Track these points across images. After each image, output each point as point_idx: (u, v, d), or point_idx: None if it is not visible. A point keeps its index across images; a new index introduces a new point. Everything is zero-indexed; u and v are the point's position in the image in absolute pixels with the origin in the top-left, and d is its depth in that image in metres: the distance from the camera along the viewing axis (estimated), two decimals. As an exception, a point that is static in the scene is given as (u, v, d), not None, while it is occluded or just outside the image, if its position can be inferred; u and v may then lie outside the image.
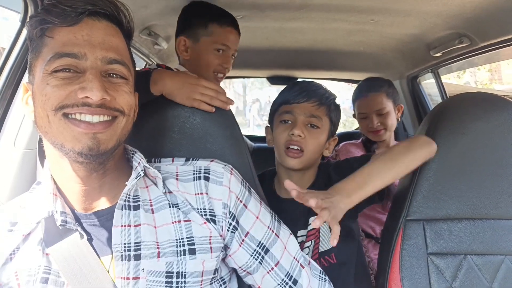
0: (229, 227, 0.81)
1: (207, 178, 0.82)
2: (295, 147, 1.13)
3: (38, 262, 0.72)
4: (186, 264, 0.75)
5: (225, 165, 0.85)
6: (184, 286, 0.75)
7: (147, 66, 1.95)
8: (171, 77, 0.97)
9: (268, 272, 0.85)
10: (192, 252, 0.76)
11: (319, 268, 0.91)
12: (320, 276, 0.90)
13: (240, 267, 0.85)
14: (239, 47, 1.48)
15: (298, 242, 1.15)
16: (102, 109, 0.68)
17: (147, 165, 0.78)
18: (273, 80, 2.87)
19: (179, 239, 0.76)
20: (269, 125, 1.27)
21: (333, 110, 1.19)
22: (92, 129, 0.67)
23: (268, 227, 0.85)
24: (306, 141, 1.13)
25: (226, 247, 0.83)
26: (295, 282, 0.86)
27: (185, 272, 0.75)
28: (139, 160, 0.78)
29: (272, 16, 1.60)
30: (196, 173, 0.82)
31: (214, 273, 0.80)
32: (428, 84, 2.40)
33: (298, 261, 0.87)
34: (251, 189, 0.88)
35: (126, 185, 0.74)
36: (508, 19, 1.32)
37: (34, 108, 0.71)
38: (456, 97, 1.11)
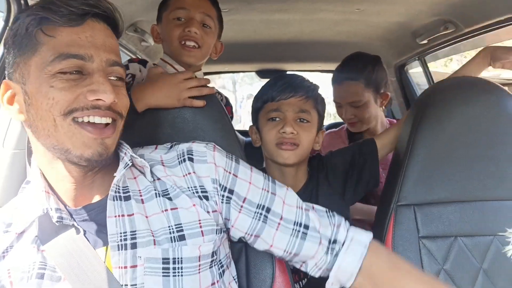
0: (222, 199, 0.82)
1: (191, 159, 0.83)
2: (290, 144, 1.11)
3: (32, 258, 0.72)
4: (182, 250, 0.76)
5: (207, 144, 0.86)
6: (181, 272, 0.75)
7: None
8: (151, 88, 0.94)
9: (276, 229, 0.83)
10: (182, 238, 0.77)
11: (324, 208, 0.89)
12: (327, 214, 0.88)
13: (246, 233, 0.84)
14: (226, 41, 1.46)
15: None
16: (110, 111, 0.70)
17: (133, 155, 0.78)
18: (263, 73, 2.87)
19: (169, 226, 0.77)
20: (253, 125, 1.23)
21: (320, 102, 1.18)
22: (101, 134, 0.69)
23: (263, 188, 0.85)
24: (299, 136, 1.11)
25: (226, 221, 0.83)
26: (306, 227, 0.84)
27: (181, 258, 0.76)
28: (125, 151, 0.79)
29: (258, 8, 1.61)
30: (180, 157, 0.83)
31: (212, 256, 0.80)
32: (416, 74, 2.42)
33: (301, 208, 0.86)
34: (238, 159, 0.88)
35: (115, 176, 0.74)
36: (491, 4, 1.34)
37: (33, 110, 0.69)
38: (443, 83, 1.12)
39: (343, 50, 2.33)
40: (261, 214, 0.83)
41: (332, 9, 1.63)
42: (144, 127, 0.94)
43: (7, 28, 0.99)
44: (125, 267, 0.73)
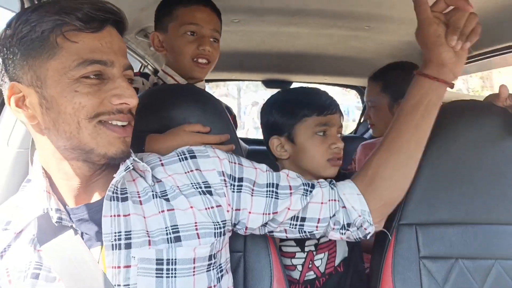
0: (233, 189, 0.84)
1: (194, 157, 0.84)
2: (338, 159, 1.14)
3: (29, 258, 0.73)
4: (176, 251, 0.76)
5: (205, 146, 0.89)
6: (175, 273, 0.75)
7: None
8: (165, 145, 0.94)
9: (290, 196, 0.87)
10: (178, 239, 0.77)
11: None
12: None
13: (263, 213, 0.85)
14: (235, 50, 1.48)
15: (306, 252, 1.15)
16: (129, 114, 0.74)
17: (136, 159, 0.79)
18: (268, 83, 2.89)
19: (167, 227, 0.77)
20: (279, 136, 1.16)
21: None
22: (123, 134, 0.73)
23: (267, 171, 0.90)
24: (341, 152, 1.16)
25: (236, 213, 0.84)
26: (312, 186, 0.90)
27: (175, 259, 0.76)
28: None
29: (268, 20, 1.62)
30: (181, 155, 0.85)
31: (210, 259, 0.80)
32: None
33: (300, 177, 0.92)
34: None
35: (114, 177, 0.75)
36: (500, 28, 1.35)
37: (54, 114, 0.69)
38: (449, 105, 1.12)
39: (351, 65, 2.37)
40: (272, 191, 0.86)
41: (341, 25, 1.65)
42: (147, 132, 0.95)
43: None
44: (119, 267, 0.73)
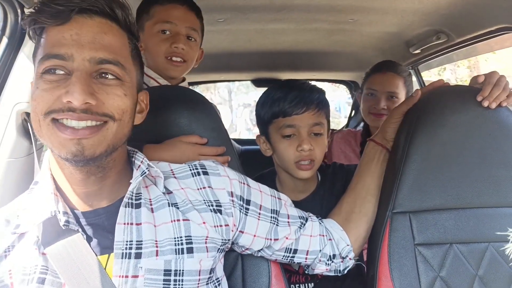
0: (241, 210, 0.85)
1: (206, 173, 0.85)
2: (306, 162, 1.11)
3: (34, 261, 0.72)
4: (184, 262, 0.76)
5: (215, 162, 0.90)
6: (182, 285, 0.75)
7: None
8: (160, 156, 0.92)
9: (289, 226, 0.93)
10: (190, 251, 0.77)
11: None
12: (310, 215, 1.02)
13: (266, 238, 0.89)
14: (222, 51, 1.48)
15: None
16: (88, 114, 0.66)
17: (151, 164, 0.78)
18: (258, 82, 2.89)
19: (178, 237, 0.77)
20: (261, 135, 1.21)
21: (328, 109, 1.18)
22: (76, 135, 0.66)
23: (271, 195, 0.93)
24: (315, 152, 1.12)
25: (238, 235, 0.86)
26: (306, 219, 0.98)
27: (183, 270, 0.76)
28: (141, 159, 0.78)
29: (253, 18, 1.62)
30: (193, 169, 0.85)
31: (210, 273, 0.81)
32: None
33: (297, 209, 0.99)
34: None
35: (131, 183, 0.74)
36: (482, 14, 1.37)
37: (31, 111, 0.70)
38: (436, 91, 1.13)
39: (337, 59, 2.38)
40: (275, 218, 0.91)
41: (325, 19, 1.65)
42: (138, 134, 0.94)
43: (3, 37, 0.99)
44: (126, 276, 0.72)
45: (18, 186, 0.98)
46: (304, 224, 0.96)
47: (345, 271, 1.03)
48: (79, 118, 0.66)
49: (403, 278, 1.00)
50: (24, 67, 1.00)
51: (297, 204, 1.03)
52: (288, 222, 0.93)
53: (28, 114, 1.01)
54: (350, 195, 1.09)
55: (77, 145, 0.66)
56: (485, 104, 1.03)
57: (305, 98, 1.12)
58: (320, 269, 1.00)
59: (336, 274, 1.03)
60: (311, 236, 0.96)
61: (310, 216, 1.00)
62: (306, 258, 0.97)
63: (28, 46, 0.99)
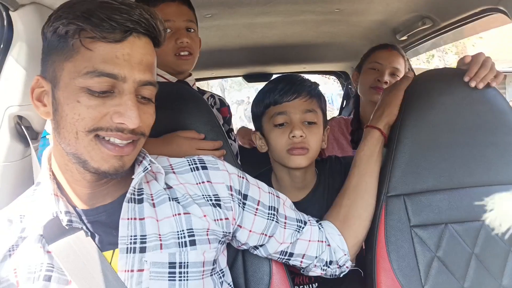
0: (239, 204, 0.86)
1: (204, 167, 0.85)
2: (299, 148, 1.08)
3: (39, 259, 0.72)
4: (188, 254, 0.77)
5: (213, 157, 0.90)
6: (187, 277, 0.76)
7: None
8: (158, 149, 0.93)
9: (284, 228, 0.92)
10: (193, 243, 0.78)
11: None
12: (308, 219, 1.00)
13: (261, 233, 0.89)
14: (211, 47, 1.48)
15: None
16: (132, 134, 0.69)
17: (152, 160, 0.79)
18: (249, 77, 2.90)
19: (180, 231, 0.78)
20: (256, 131, 1.19)
21: (323, 100, 1.16)
22: (120, 152, 0.69)
23: (269, 192, 0.93)
24: (308, 140, 1.09)
25: (236, 229, 0.87)
26: (304, 223, 0.96)
27: (187, 262, 0.77)
28: (143, 155, 0.79)
29: (240, 12, 1.62)
30: (192, 164, 0.85)
31: (213, 264, 0.82)
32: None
33: (295, 210, 0.98)
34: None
35: (133, 178, 0.75)
36: (464, -3, 1.38)
37: (59, 117, 0.68)
38: (423, 74, 1.15)
39: (326, 51, 2.39)
40: (273, 214, 0.90)
41: (312, 10, 1.66)
42: None
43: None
44: (132, 271, 0.73)
45: (15, 190, 0.98)
46: (302, 228, 0.94)
47: (341, 275, 1.02)
48: (126, 138, 0.69)
49: (401, 260, 1.01)
50: (13, 71, 0.99)
51: (297, 205, 1.02)
52: (285, 223, 0.92)
53: (20, 117, 1.00)
54: (349, 196, 1.04)
55: (120, 161, 0.69)
56: (472, 84, 1.04)
57: (296, 86, 1.11)
58: (316, 272, 1.00)
59: (331, 277, 1.02)
60: (309, 241, 0.95)
61: (309, 220, 0.98)
62: (301, 262, 0.97)
63: (15, 49, 0.99)
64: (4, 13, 0.98)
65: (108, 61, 0.66)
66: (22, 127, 0.99)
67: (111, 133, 0.67)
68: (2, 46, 0.99)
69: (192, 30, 1.31)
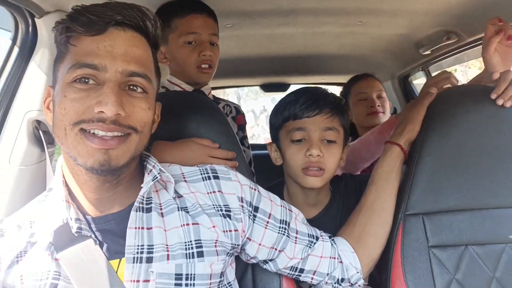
0: (250, 216, 0.84)
1: (216, 177, 0.84)
2: (315, 168, 1.04)
3: (47, 267, 0.72)
4: (195, 266, 0.76)
5: (227, 167, 0.89)
6: None
7: None
8: (172, 147, 0.94)
9: (295, 243, 0.90)
10: (200, 254, 0.77)
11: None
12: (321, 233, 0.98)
13: (271, 247, 0.87)
14: (231, 56, 1.48)
15: None
16: (116, 125, 0.67)
17: (162, 169, 0.79)
18: (267, 87, 2.89)
19: (188, 242, 0.77)
20: (272, 142, 1.16)
21: (346, 117, 1.11)
22: (105, 145, 0.67)
23: (281, 205, 0.91)
24: (325, 159, 1.04)
25: (246, 241, 0.85)
26: (316, 238, 0.93)
27: (194, 274, 0.75)
28: (153, 164, 0.79)
29: (261, 23, 1.63)
30: (204, 173, 0.84)
31: (221, 277, 0.80)
32: (420, 85, 2.43)
33: (307, 225, 0.96)
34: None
35: (142, 187, 0.74)
36: (492, 12, 1.34)
37: (53, 116, 0.71)
38: (447, 91, 1.12)
39: (347, 63, 2.37)
40: (284, 229, 0.89)
41: (334, 22, 1.65)
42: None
43: (14, 46, 1.01)
44: (138, 281, 0.72)
45: (29, 193, 0.99)
46: (314, 243, 0.92)
47: None
48: (108, 129, 0.67)
49: (417, 281, 0.98)
50: (35, 76, 1.01)
51: (310, 222, 0.98)
52: (296, 238, 0.90)
53: (39, 122, 1.02)
54: (365, 213, 1.00)
55: (105, 155, 0.67)
56: (500, 102, 1.01)
57: (318, 101, 1.06)
58: None
59: None
60: (321, 257, 0.92)
61: (322, 236, 0.95)
62: (312, 278, 0.94)
63: (38, 55, 1.01)
64: (29, 20, 1.00)
65: (90, 53, 0.67)
66: (40, 131, 1.00)
67: (93, 124, 0.66)
68: (25, 51, 1.01)
69: (215, 44, 1.32)
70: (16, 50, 1.01)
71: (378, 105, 1.77)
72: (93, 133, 0.67)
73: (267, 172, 1.27)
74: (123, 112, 0.67)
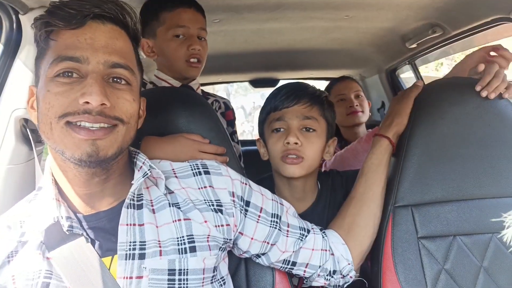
0: (241, 210, 0.85)
1: (207, 172, 0.84)
2: (293, 156, 1.05)
3: (38, 266, 0.71)
4: (188, 261, 0.76)
5: (217, 162, 0.89)
6: (187, 284, 0.75)
7: None
8: (162, 142, 0.94)
9: (287, 236, 0.90)
10: (193, 249, 0.77)
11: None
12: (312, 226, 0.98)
13: (263, 241, 0.88)
14: (219, 52, 1.48)
15: None
16: (102, 116, 0.67)
17: (152, 165, 0.78)
18: (256, 83, 2.89)
19: (180, 237, 0.77)
20: (260, 138, 1.18)
21: (327, 109, 1.12)
22: (92, 136, 0.67)
23: (272, 199, 0.92)
24: (303, 147, 1.06)
25: (238, 236, 0.85)
26: (308, 231, 0.94)
27: (187, 269, 0.75)
28: (143, 160, 0.78)
29: (248, 18, 1.62)
30: (195, 169, 0.85)
31: (213, 271, 0.81)
32: (408, 79, 2.46)
33: (298, 218, 0.97)
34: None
35: (132, 184, 0.74)
36: (477, 6, 1.37)
37: (38, 113, 0.70)
38: (434, 83, 1.13)
39: (335, 57, 2.38)
40: (276, 222, 0.89)
41: (321, 17, 1.65)
42: (137, 135, 0.94)
43: None
44: (131, 278, 0.72)
45: (18, 193, 0.98)
46: (306, 236, 0.93)
47: (345, 285, 1.00)
48: (94, 120, 0.67)
49: (407, 272, 1.00)
50: (21, 73, 0.99)
51: None
52: (287, 231, 0.91)
53: (26, 120, 1.00)
54: (355, 205, 1.01)
55: (92, 145, 0.67)
56: (484, 94, 1.03)
57: (297, 91, 1.09)
58: (319, 282, 0.98)
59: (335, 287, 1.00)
60: (312, 250, 0.93)
61: (313, 228, 0.96)
62: (304, 271, 0.95)
63: (24, 52, 0.99)
64: (13, 16, 0.98)
65: (70, 46, 0.68)
66: (28, 130, 0.99)
67: (78, 116, 0.66)
68: (10, 48, 0.99)
69: (203, 39, 1.32)
70: (0, 47, 0.99)
71: (357, 105, 1.88)
72: (79, 125, 0.67)
73: (256, 167, 1.27)
74: (108, 102, 0.67)
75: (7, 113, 0.99)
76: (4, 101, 0.99)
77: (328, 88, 2.01)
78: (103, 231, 0.74)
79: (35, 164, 0.96)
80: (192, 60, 1.28)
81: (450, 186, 1.03)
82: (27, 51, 0.99)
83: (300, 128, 1.07)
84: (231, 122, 1.55)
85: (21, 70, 0.99)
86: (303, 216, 1.09)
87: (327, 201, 1.17)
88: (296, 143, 1.05)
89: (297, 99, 1.08)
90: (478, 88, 1.04)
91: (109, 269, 0.72)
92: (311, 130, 1.08)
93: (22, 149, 1.01)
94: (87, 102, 0.66)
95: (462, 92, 1.06)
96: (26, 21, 0.97)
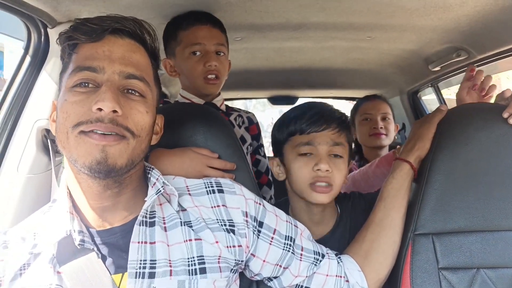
0: (254, 231, 0.83)
1: (221, 191, 0.83)
2: (323, 184, 1.02)
3: (48, 280, 0.71)
4: (198, 283, 0.74)
5: (232, 181, 0.88)
6: None
7: None
8: (171, 155, 0.93)
9: (300, 260, 0.88)
10: (203, 271, 0.75)
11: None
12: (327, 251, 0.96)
13: (276, 264, 0.86)
14: (239, 68, 1.48)
15: None
16: (113, 125, 0.68)
17: (166, 182, 0.78)
18: (274, 100, 2.90)
19: (190, 258, 0.76)
20: (274, 157, 1.13)
21: (351, 133, 1.11)
22: (102, 140, 0.67)
23: (287, 221, 0.90)
24: (333, 175, 1.02)
25: (250, 258, 0.84)
26: (322, 255, 0.92)
27: None
28: (157, 177, 0.78)
29: (270, 36, 1.63)
30: (208, 187, 0.84)
31: None
32: (430, 100, 2.42)
33: (313, 241, 0.95)
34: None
35: (146, 201, 0.74)
36: (503, 30, 1.34)
37: (56, 123, 0.72)
38: (457, 108, 1.10)
39: (355, 77, 2.37)
40: (289, 245, 0.87)
41: (343, 37, 1.65)
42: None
43: (27, 55, 1.02)
44: None
45: (36, 202, 0.99)
46: (320, 261, 0.90)
47: None
48: (105, 128, 0.68)
49: (427, 304, 0.95)
50: (46, 85, 1.02)
51: (316, 242, 0.96)
52: (301, 255, 0.88)
53: (48, 130, 1.02)
54: (373, 230, 0.98)
55: (102, 152, 0.67)
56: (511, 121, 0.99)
57: (326, 116, 1.05)
58: None
59: None
60: (327, 275, 0.91)
61: (328, 253, 0.94)
62: None
63: (50, 64, 1.02)
64: (42, 30, 1.01)
65: (89, 57, 0.71)
66: (49, 140, 1.00)
67: (91, 125, 0.67)
68: (37, 60, 1.02)
69: (222, 54, 1.33)
70: (28, 59, 1.02)
71: (381, 127, 1.82)
72: (92, 131, 0.68)
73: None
74: (120, 110, 0.68)
75: (30, 123, 1.01)
76: (28, 111, 1.02)
77: (356, 106, 1.98)
78: (115, 247, 0.74)
79: (52, 175, 0.97)
80: (209, 76, 1.29)
81: (474, 216, 0.99)
82: (53, 64, 1.01)
83: (329, 154, 1.04)
84: (256, 136, 1.53)
85: (46, 82, 1.01)
86: (322, 241, 1.06)
87: (347, 226, 1.13)
88: (327, 170, 1.02)
89: (326, 124, 1.04)
90: (505, 114, 1.00)
91: (119, 286, 0.71)
92: (339, 157, 1.05)
93: (42, 159, 1.03)
94: (100, 109, 0.67)
95: (487, 117, 1.03)
96: (54, 34, 1.00)
